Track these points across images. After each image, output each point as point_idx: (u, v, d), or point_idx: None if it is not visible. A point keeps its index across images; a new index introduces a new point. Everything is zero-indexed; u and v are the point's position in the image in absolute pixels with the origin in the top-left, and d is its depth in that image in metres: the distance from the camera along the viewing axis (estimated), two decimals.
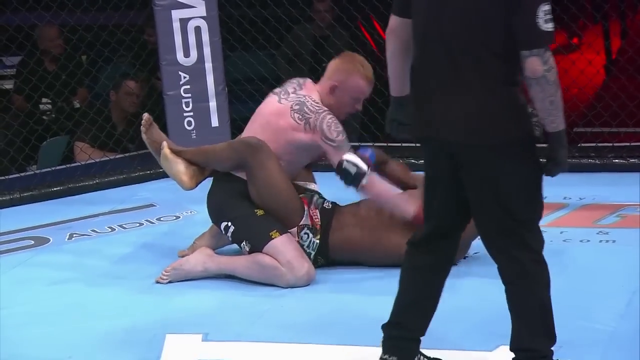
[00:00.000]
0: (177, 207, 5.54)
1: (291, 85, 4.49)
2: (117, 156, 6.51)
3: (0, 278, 4.57)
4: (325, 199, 4.52)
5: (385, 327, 3.23)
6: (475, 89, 2.92)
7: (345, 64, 4.43)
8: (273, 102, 4.45)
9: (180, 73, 6.15)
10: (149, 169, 6.32)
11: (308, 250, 4.38)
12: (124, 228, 5.28)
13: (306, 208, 4.41)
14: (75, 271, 4.63)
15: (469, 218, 3.12)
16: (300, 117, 4.34)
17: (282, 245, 4.27)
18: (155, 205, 5.68)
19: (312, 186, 4.59)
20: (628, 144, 5.93)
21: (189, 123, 6.12)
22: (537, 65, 2.86)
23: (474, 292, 4.05)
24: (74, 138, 6.65)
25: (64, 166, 6.45)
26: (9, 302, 4.26)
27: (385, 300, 4.02)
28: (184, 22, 6.12)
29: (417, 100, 3.05)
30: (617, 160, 5.83)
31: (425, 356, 3.25)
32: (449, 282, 3.22)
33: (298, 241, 4.36)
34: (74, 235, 5.19)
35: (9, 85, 7.50)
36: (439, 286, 3.20)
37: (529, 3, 2.85)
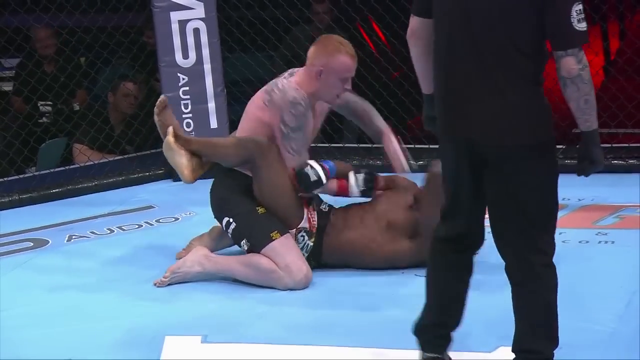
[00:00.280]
0: (176, 208, 5.54)
1: (285, 74, 4.47)
2: (116, 158, 6.51)
3: None
4: (322, 201, 4.52)
5: (428, 328, 3.21)
6: (505, 88, 2.91)
7: (325, 46, 4.34)
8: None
9: (179, 75, 6.15)
10: (147, 170, 6.32)
11: (302, 252, 4.37)
12: (123, 230, 5.28)
13: (305, 211, 4.41)
14: (74, 273, 4.63)
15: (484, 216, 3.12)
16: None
17: (281, 248, 4.26)
18: (154, 207, 5.68)
19: None
20: (627, 144, 5.93)
21: (188, 125, 6.11)
22: (573, 64, 2.86)
23: (474, 293, 4.03)
24: (73, 140, 6.64)
25: (63, 168, 6.44)
26: (9, 304, 4.26)
27: (383, 302, 4.03)
28: (182, 23, 6.12)
29: (444, 100, 3.04)
30: (616, 161, 5.83)
31: None
32: None
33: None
34: (73, 237, 5.19)
35: (7, 87, 7.51)
36: (470, 279, 3.20)
37: (563, 3, 2.85)
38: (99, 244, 5.06)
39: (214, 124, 6.13)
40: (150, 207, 5.69)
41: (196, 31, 6.14)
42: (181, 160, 4.36)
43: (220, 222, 4.40)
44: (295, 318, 3.98)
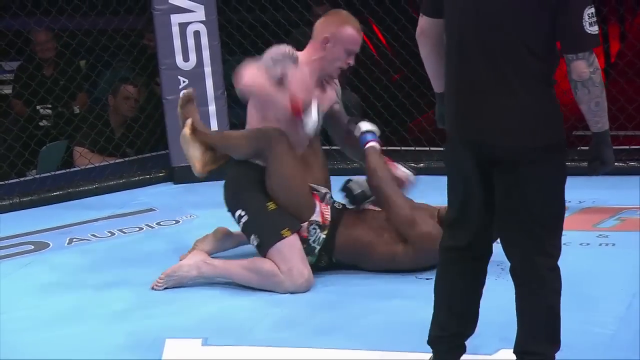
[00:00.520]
0: (176, 211, 5.54)
1: None
2: (117, 161, 6.51)
3: (0, 283, 4.57)
4: (335, 200, 4.51)
5: (444, 339, 3.18)
6: (515, 89, 2.91)
7: (334, 17, 4.41)
8: None
9: (179, 77, 6.15)
10: (148, 173, 6.32)
11: (313, 245, 4.35)
12: (124, 232, 5.28)
13: (318, 204, 4.40)
14: (74, 276, 4.63)
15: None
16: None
17: (287, 250, 4.25)
18: (154, 210, 5.68)
19: (323, 190, 4.51)
20: (627, 147, 5.93)
21: None
22: (584, 68, 2.87)
23: None
24: (74, 143, 6.65)
25: (63, 171, 6.44)
26: (9, 307, 4.26)
27: (385, 305, 4.03)
28: (183, 26, 6.12)
29: (454, 100, 3.03)
30: (616, 164, 5.81)
31: None
32: None
33: (306, 236, 4.35)
34: (74, 240, 5.19)
35: (8, 90, 7.51)
36: (483, 286, 3.18)
37: (575, 6, 2.84)
38: (100, 246, 5.06)
39: (214, 126, 6.12)
40: (151, 210, 5.69)
41: (197, 34, 6.15)
42: (195, 152, 4.48)
43: (233, 215, 4.40)
44: (295, 321, 3.98)
